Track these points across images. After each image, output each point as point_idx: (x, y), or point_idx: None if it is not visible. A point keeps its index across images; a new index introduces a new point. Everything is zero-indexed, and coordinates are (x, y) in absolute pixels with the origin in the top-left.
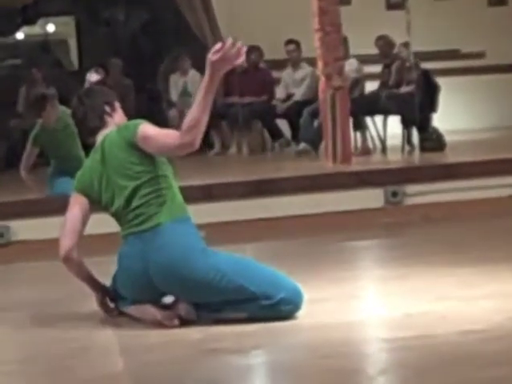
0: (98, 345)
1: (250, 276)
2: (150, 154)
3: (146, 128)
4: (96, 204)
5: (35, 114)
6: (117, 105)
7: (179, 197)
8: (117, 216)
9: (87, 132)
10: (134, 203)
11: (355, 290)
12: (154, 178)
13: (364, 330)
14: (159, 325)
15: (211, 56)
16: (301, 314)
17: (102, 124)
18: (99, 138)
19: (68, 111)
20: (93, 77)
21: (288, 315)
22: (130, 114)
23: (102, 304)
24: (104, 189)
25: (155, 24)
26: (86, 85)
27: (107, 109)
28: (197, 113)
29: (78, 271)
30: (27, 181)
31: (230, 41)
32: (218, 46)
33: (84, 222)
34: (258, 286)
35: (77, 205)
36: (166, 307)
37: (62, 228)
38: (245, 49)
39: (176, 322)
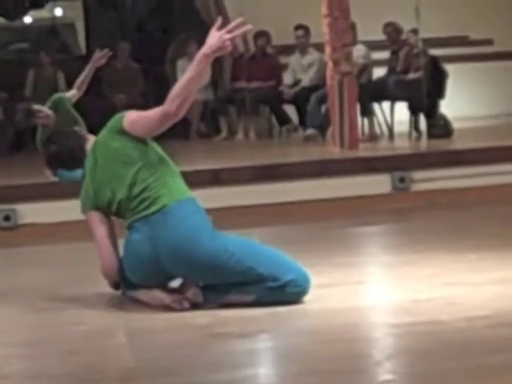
0: (104, 328)
1: (258, 257)
2: (141, 138)
3: (131, 113)
4: (103, 209)
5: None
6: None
7: (180, 178)
8: (120, 209)
9: (78, 152)
10: (137, 189)
11: (362, 275)
12: (152, 160)
13: (371, 315)
14: (167, 309)
15: (224, 34)
16: (307, 298)
17: (84, 140)
18: (88, 148)
19: (66, 96)
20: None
21: (295, 299)
22: (137, 98)
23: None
24: (104, 189)
25: (163, 8)
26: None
27: (78, 129)
28: (184, 82)
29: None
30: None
31: (239, 20)
32: (220, 21)
33: (113, 234)
34: (265, 267)
35: (98, 223)
36: (173, 291)
37: (99, 250)
38: (249, 26)
39: (186, 304)
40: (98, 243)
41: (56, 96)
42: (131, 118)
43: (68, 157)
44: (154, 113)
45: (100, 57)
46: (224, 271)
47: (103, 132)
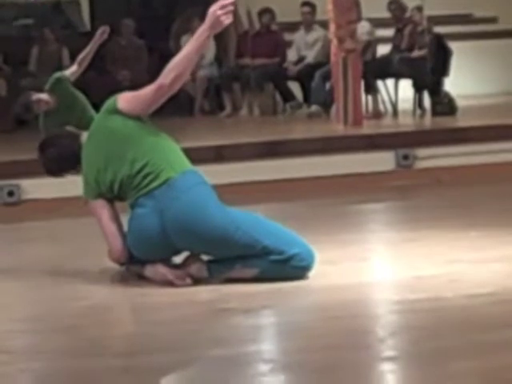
0: (108, 304)
1: (263, 230)
2: (136, 117)
3: (125, 94)
4: (106, 195)
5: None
6: None
7: (180, 152)
8: (122, 189)
9: (77, 149)
10: (138, 165)
11: (366, 252)
12: (149, 137)
13: (374, 291)
14: (170, 284)
15: (217, 9)
16: (311, 275)
17: (78, 136)
18: (84, 138)
19: (65, 74)
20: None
21: (299, 274)
22: (142, 75)
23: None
24: (104, 172)
25: None
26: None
27: (69, 128)
28: (180, 57)
29: None
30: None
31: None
32: (228, 1)
33: (117, 218)
34: (271, 240)
35: (101, 209)
36: (176, 267)
37: (105, 236)
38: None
39: (188, 280)
40: (103, 229)
41: (54, 77)
42: (126, 98)
43: (69, 155)
44: (148, 88)
45: (101, 33)
46: (230, 243)
47: (97, 117)
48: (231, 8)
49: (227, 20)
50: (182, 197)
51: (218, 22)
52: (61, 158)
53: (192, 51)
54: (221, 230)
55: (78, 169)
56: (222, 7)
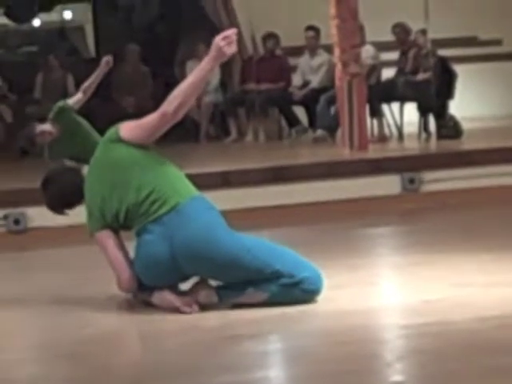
0: (115, 331)
1: (273, 254)
2: (139, 145)
3: (126, 123)
4: (111, 225)
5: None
6: None
7: (185, 179)
8: (128, 217)
9: (80, 183)
10: (144, 192)
11: (372, 276)
12: (153, 163)
13: (381, 316)
14: (177, 311)
15: (220, 41)
16: (318, 299)
17: (79, 170)
18: (85, 171)
19: (68, 103)
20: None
21: (308, 298)
22: (147, 101)
23: None
24: (109, 201)
25: (172, 10)
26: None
27: (69, 163)
28: (185, 86)
29: None
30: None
31: (233, 29)
32: (231, 32)
33: (123, 248)
34: (281, 264)
35: (107, 239)
36: (184, 293)
37: (113, 266)
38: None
39: (195, 308)
40: (110, 258)
41: (57, 106)
42: (129, 127)
43: (73, 190)
44: (152, 116)
45: (105, 63)
46: (241, 268)
47: (98, 148)
48: (234, 38)
49: (230, 50)
50: (190, 223)
51: (221, 52)
52: (64, 194)
53: (197, 80)
54: (231, 254)
55: (83, 202)
56: (225, 38)
